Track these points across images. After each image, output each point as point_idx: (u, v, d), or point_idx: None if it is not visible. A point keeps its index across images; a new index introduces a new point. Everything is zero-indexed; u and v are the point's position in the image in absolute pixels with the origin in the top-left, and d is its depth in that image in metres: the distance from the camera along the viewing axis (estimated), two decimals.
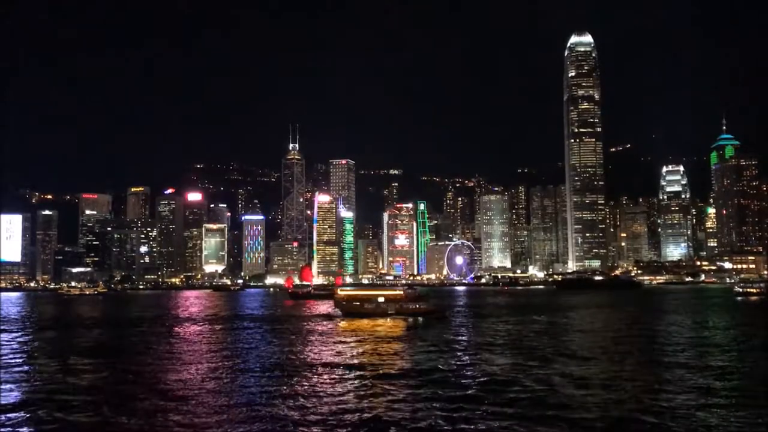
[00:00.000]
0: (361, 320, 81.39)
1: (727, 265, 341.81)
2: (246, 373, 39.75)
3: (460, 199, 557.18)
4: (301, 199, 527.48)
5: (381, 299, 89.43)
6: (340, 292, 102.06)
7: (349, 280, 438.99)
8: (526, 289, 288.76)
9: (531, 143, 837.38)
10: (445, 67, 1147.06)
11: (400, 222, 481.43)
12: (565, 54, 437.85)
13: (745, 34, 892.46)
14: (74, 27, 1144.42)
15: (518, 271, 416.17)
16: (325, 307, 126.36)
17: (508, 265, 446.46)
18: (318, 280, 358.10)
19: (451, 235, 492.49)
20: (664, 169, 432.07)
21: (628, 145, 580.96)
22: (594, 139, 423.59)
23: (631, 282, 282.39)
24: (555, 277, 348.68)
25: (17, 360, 48.03)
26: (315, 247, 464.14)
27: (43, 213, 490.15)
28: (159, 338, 64.61)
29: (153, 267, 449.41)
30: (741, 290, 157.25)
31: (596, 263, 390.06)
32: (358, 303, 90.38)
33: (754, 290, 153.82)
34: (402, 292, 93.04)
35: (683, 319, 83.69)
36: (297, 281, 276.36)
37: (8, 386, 36.21)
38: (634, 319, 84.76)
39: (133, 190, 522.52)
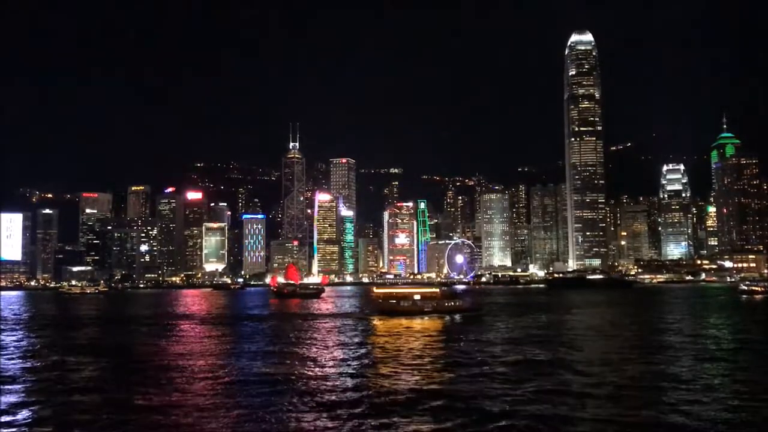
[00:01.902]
0: (399, 319, 78.97)
1: (728, 264, 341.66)
2: (248, 383, 35.90)
3: (460, 197, 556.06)
4: (302, 198, 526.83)
5: (417, 297, 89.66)
6: (377, 290, 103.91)
7: (349, 279, 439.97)
8: (513, 288, 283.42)
9: (531, 142, 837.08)
10: (445, 66, 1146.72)
11: (400, 221, 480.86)
12: (566, 53, 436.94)
13: (745, 33, 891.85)
14: (74, 27, 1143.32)
15: (519, 270, 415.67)
16: (327, 306, 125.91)
17: (509, 263, 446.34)
18: (318, 279, 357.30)
19: (451, 234, 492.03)
20: (665, 167, 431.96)
21: (629, 144, 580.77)
22: (594, 138, 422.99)
23: (624, 281, 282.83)
24: (554, 275, 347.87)
25: (16, 360, 47.56)
26: (315, 246, 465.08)
27: (44, 212, 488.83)
28: (160, 337, 64.13)
29: (153, 266, 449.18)
30: (746, 288, 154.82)
31: (596, 262, 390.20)
32: (394, 301, 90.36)
33: (759, 289, 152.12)
34: (438, 290, 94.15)
35: (684, 320, 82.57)
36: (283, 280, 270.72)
37: (8, 386, 35.78)
38: (625, 319, 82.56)
39: (133, 188, 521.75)
